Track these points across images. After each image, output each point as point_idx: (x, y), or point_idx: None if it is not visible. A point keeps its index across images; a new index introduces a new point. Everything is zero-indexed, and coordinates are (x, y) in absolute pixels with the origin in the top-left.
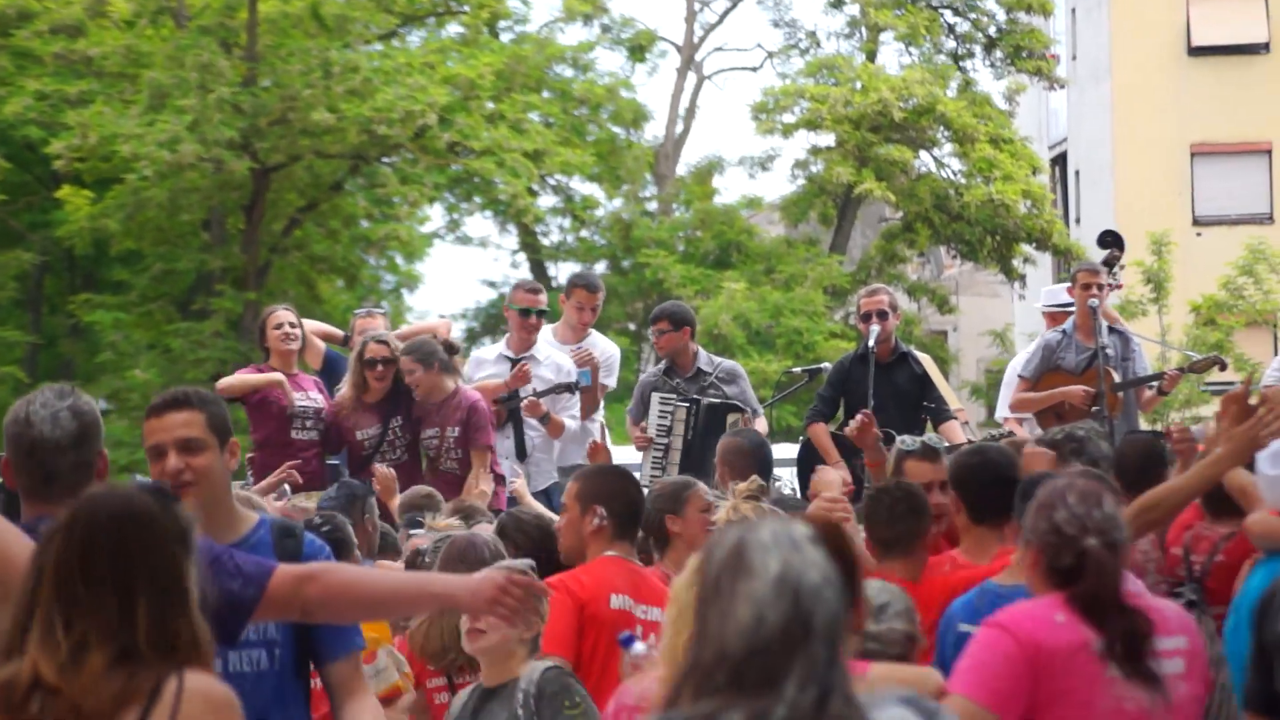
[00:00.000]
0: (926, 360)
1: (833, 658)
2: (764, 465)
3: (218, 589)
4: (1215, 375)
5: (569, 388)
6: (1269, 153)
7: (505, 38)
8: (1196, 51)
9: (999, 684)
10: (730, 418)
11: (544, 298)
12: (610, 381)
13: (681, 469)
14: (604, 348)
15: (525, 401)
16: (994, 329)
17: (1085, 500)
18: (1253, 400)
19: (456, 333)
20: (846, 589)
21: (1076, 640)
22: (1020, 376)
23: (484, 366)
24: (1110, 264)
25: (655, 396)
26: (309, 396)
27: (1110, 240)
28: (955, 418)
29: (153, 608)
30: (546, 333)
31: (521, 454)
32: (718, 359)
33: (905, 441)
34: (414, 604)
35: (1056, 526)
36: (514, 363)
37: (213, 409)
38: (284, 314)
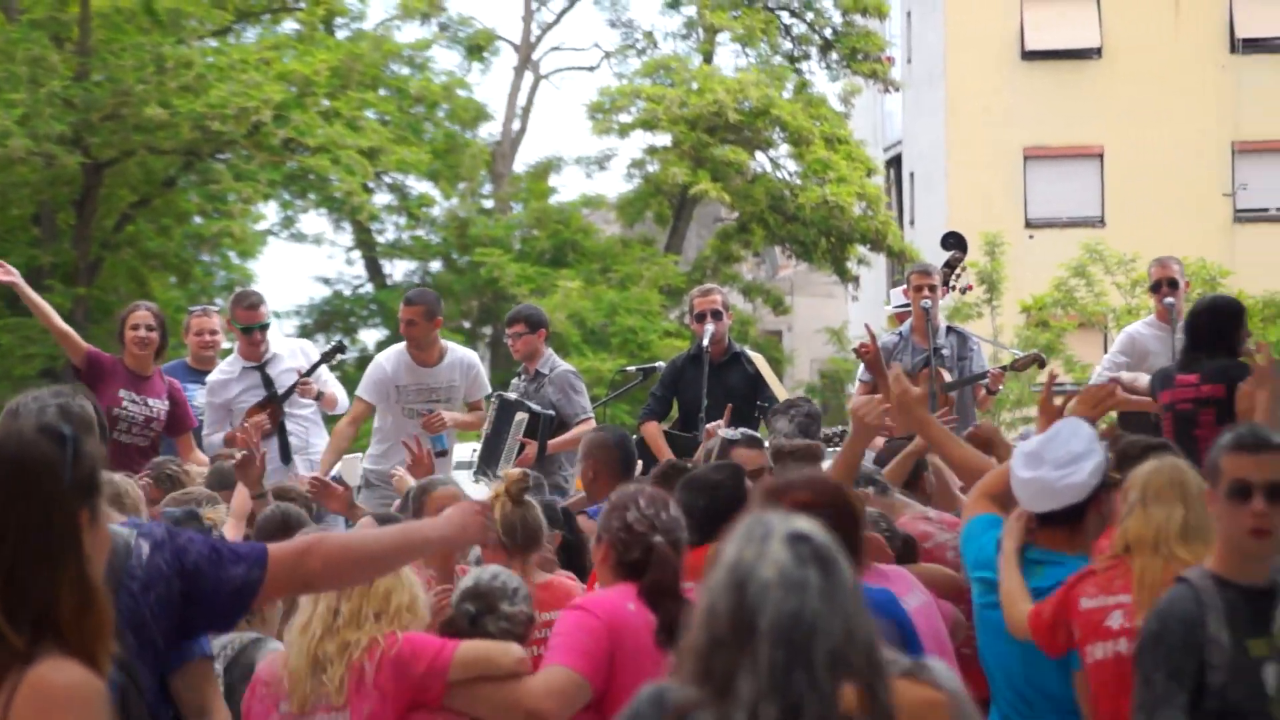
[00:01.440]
0: (759, 359)
1: (791, 665)
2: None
3: (221, 576)
4: (1044, 375)
5: (329, 354)
6: (1101, 156)
7: (341, 35)
8: (1030, 55)
9: (591, 654)
10: (518, 417)
11: (265, 309)
12: (483, 389)
13: (478, 466)
14: (463, 362)
15: (301, 386)
16: (830, 327)
17: (654, 503)
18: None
19: (289, 328)
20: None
21: (644, 624)
22: (860, 381)
23: (230, 387)
24: (953, 265)
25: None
26: (145, 403)
27: (953, 242)
28: None
29: (17, 567)
30: (396, 348)
31: (286, 458)
32: (560, 365)
33: (728, 432)
34: (413, 552)
35: (628, 525)
36: (258, 369)
37: None
38: (143, 315)
